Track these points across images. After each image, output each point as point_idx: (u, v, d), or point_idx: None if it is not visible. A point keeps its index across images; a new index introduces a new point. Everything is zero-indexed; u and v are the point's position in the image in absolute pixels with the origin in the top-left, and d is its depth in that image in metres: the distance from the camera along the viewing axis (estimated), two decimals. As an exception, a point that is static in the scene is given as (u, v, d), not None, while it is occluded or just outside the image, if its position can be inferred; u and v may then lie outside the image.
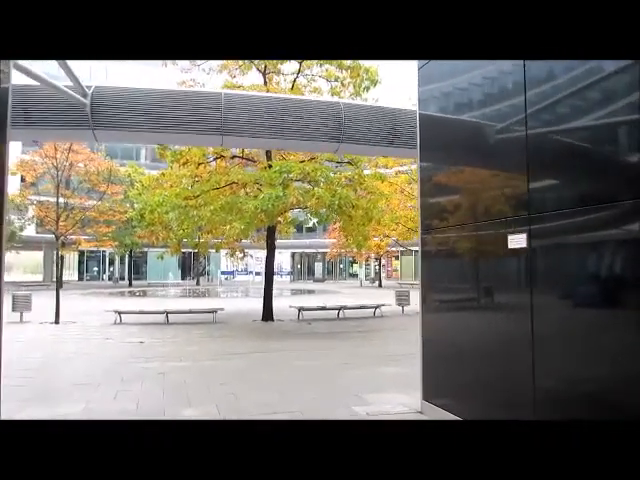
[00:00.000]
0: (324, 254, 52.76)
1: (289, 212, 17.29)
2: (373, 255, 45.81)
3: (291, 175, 12.44)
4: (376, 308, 17.32)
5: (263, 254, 45.58)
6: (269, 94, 9.72)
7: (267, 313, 15.71)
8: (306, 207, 14.46)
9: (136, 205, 15.18)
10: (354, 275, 56.13)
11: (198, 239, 18.40)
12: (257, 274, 53.02)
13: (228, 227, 12.55)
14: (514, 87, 4.43)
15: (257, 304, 20.75)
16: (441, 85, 6.12)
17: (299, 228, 36.06)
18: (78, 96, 7.93)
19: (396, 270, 55.33)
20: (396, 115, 9.67)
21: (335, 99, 12.23)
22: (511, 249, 4.30)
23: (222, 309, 15.69)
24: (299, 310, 16.19)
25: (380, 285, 44.63)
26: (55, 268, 16.30)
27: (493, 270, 4.83)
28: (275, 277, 42.65)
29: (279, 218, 14.34)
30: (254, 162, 16.32)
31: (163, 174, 15.73)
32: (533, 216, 4.07)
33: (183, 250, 21.38)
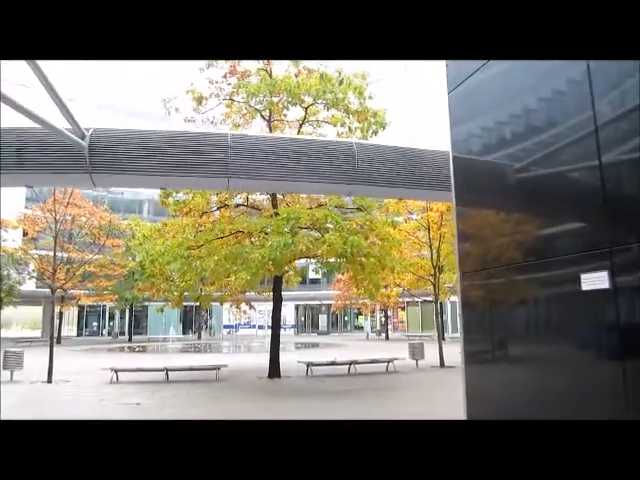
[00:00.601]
0: (328, 306, 51.72)
1: (295, 262, 16.68)
2: (379, 306, 44.83)
3: (299, 222, 11.85)
4: (389, 363, 16.33)
5: (266, 306, 44.61)
6: (277, 135, 9.23)
7: (274, 369, 14.74)
8: (315, 256, 13.85)
9: (137, 256, 14.56)
10: (359, 327, 54.75)
11: (200, 291, 17.66)
12: (260, 327, 51.91)
13: (233, 278, 11.85)
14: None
15: (262, 359, 19.77)
16: (476, 124, 5.58)
17: (303, 280, 35.47)
18: (76, 137, 7.43)
19: (402, 321, 53.97)
20: (412, 155, 9.16)
21: (347, 140, 11.77)
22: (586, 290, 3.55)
23: (225, 366, 14.71)
24: (308, 366, 15.22)
25: (387, 337, 43.40)
26: (51, 323, 15.40)
27: (560, 315, 4.04)
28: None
29: (287, 268, 13.61)
30: (259, 210, 15.81)
31: (165, 224, 15.18)
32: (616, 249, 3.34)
33: (185, 303, 20.61)
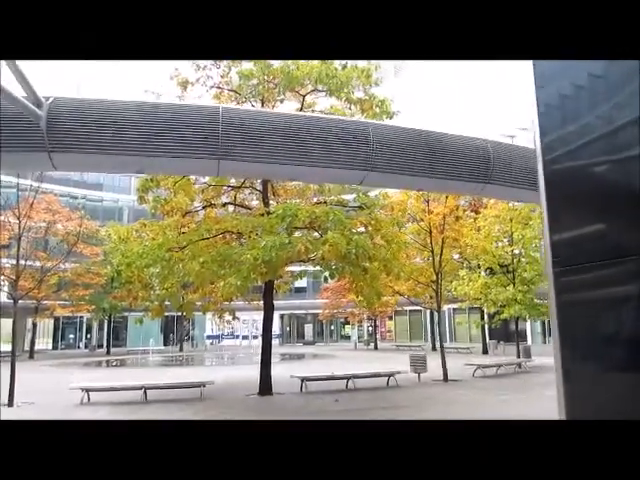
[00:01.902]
0: (314, 315, 50.26)
1: (287, 267, 15.28)
2: (366, 316, 43.54)
3: (296, 221, 10.46)
4: (389, 377, 14.95)
5: (251, 316, 42.94)
6: (278, 111, 7.86)
7: (265, 385, 13.26)
8: (310, 259, 12.46)
9: (113, 261, 12.97)
10: (346, 337, 53.36)
11: (182, 299, 16.12)
12: (244, 338, 50.19)
13: (222, 283, 10.40)
14: None
15: (250, 373, 18.22)
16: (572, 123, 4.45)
17: (288, 288, 34.02)
18: (31, 105, 5.98)
19: (390, 331, 52.73)
20: (437, 139, 7.87)
21: (362, 119, 10.44)
22: None
23: (211, 382, 13.17)
24: (302, 381, 13.75)
25: (376, 347, 41.97)
26: (12, 336, 13.71)
27: None
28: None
29: (282, 272, 12.18)
30: (248, 209, 14.40)
31: (144, 224, 13.64)
32: None
33: (166, 314, 19.05)
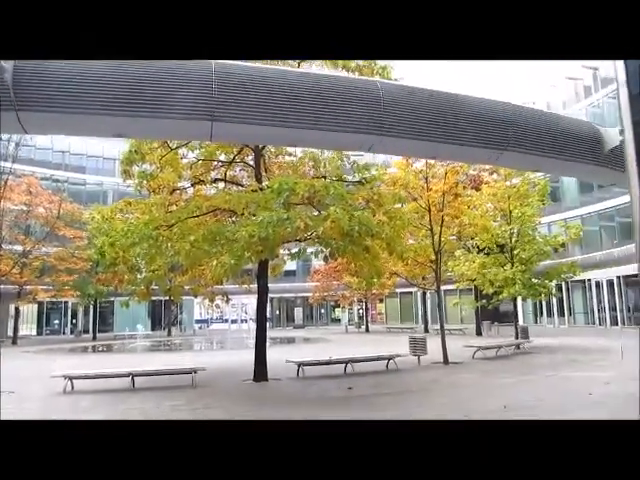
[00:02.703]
0: (304, 299, 49.75)
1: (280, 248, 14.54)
2: (357, 298, 43.10)
3: (294, 195, 9.69)
4: (389, 360, 14.37)
5: (240, 299, 42.28)
6: (278, 67, 7.02)
7: (260, 371, 12.58)
8: (307, 238, 11.73)
9: (96, 242, 12.08)
10: (336, 320, 53.02)
11: (170, 282, 15.33)
12: (234, 322, 49.54)
13: (215, 262, 9.64)
14: None
15: (242, 358, 17.54)
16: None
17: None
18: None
19: (381, 313, 52.47)
20: (455, 102, 7.14)
21: (371, 78, 9.64)
22: None
23: (203, 369, 12.47)
24: (299, 366, 13.11)
25: (367, 330, 41.57)
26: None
27: None
28: (251, 324, 39.45)
29: (278, 251, 11.42)
30: (240, 186, 13.60)
31: (129, 203, 12.77)
32: None
33: (153, 298, 18.29)
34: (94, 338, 36.77)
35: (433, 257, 16.44)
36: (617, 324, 32.85)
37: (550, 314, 38.61)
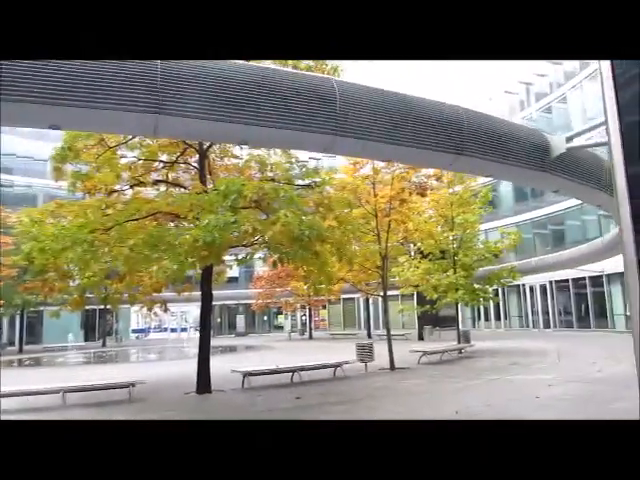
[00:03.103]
0: (246, 306, 48.86)
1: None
2: (300, 305, 42.78)
3: (241, 198, 9.29)
4: (336, 367, 14.14)
5: (180, 308, 40.87)
6: (226, 62, 6.60)
7: (203, 383, 12.00)
8: (253, 243, 11.32)
9: (23, 248, 11.09)
10: (279, 327, 52.45)
11: (106, 290, 14.42)
12: (173, 331, 47.97)
13: (155, 268, 9.05)
14: None
15: (183, 369, 16.82)
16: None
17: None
18: None
19: (324, 320, 52.37)
20: (414, 105, 6.99)
21: (327, 76, 9.36)
22: None
23: (143, 382, 11.74)
24: (244, 376, 12.61)
25: (311, 337, 41.33)
26: None
27: None
28: (192, 333, 38.25)
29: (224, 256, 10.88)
30: (184, 188, 12.99)
31: (60, 204, 11.85)
32: None
33: (86, 307, 17.16)
34: (20, 351, 34.46)
35: (379, 263, 16.39)
36: (549, 327, 34.30)
37: (487, 318, 39.85)
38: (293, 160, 11.77)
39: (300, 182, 11.54)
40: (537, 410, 8.39)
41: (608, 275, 29.46)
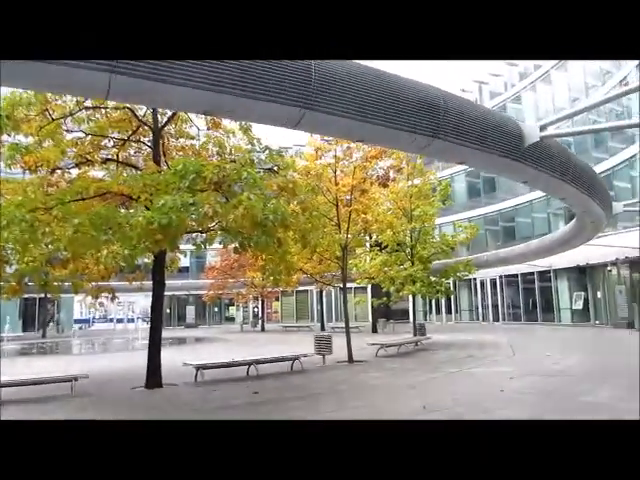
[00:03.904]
0: (197, 296, 47.62)
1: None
2: (252, 296, 42.02)
3: (200, 179, 8.63)
4: (294, 360, 13.68)
5: (127, 297, 39.38)
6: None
7: (153, 376, 11.26)
8: (210, 228, 10.66)
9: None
10: (231, 319, 51.52)
11: (47, 276, 13.35)
12: (119, 321, 46.26)
13: (104, 252, 8.27)
14: None
15: (131, 362, 15.97)
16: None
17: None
18: None
19: (276, 312, 51.85)
20: (390, 82, 6.55)
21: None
22: None
23: (85, 376, 10.88)
24: (197, 369, 11.94)
25: (263, 329, 40.71)
26: None
27: None
28: (140, 323, 36.92)
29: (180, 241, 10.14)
30: (136, 168, 12.14)
31: (-4, 182, 10.75)
32: None
33: (25, 295, 15.96)
34: (-50, 342, 32.12)
35: (338, 253, 16.01)
36: (498, 320, 35.10)
37: (439, 311, 40.42)
38: (255, 142, 11.16)
39: (263, 166, 10.94)
40: (505, 403, 8.22)
41: (555, 270, 30.33)
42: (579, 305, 29.03)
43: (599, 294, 27.57)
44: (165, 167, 11.94)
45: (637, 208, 20.28)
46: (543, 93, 34.02)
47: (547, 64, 33.06)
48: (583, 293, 29.09)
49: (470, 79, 41.24)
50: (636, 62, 24.12)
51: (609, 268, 26.58)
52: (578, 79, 30.25)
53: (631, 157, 25.05)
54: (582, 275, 29.38)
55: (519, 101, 36.27)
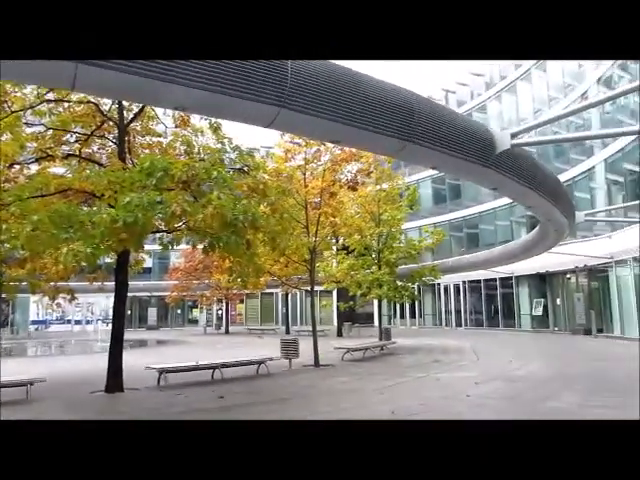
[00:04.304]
0: (159, 298, 46.64)
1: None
2: (216, 299, 41.43)
3: (168, 177, 8.39)
4: (260, 364, 13.48)
5: (86, 298, 38.26)
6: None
7: (114, 380, 10.86)
8: (177, 229, 10.37)
9: None
10: (194, 321, 50.69)
11: (1, 276, 12.75)
12: (77, 323, 44.92)
13: (65, 250, 7.91)
14: None
15: (89, 365, 15.47)
16: None
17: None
18: None
19: (240, 314, 51.31)
20: (360, 81, 6.48)
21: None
22: None
23: (42, 380, 10.41)
24: (160, 373, 11.61)
25: (227, 331, 40.22)
26: None
27: None
28: (100, 325, 35.82)
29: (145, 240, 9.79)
30: (100, 165, 11.74)
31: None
32: None
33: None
34: None
35: (307, 256, 15.89)
36: (461, 325, 35.64)
37: (403, 316, 40.75)
38: (225, 142, 10.94)
39: (233, 166, 10.74)
40: (472, 409, 8.25)
41: (517, 277, 31.01)
42: (539, 311, 29.75)
43: (558, 301, 28.32)
44: (130, 165, 11.59)
45: (598, 218, 20.94)
46: (508, 103, 34.81)
47: (512, 75, 33.88)
48: (543, 300, 29.83)
49: (438, 87, 41.91)
50: (596, 76, 24.96)
51: (568, 276, 27.35)
52: (542, 91, 31.08)
53: (590, 169, 25.85)
54: (542, 282, 30.13)
55: (484, 110, 36.99)
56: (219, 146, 10.90)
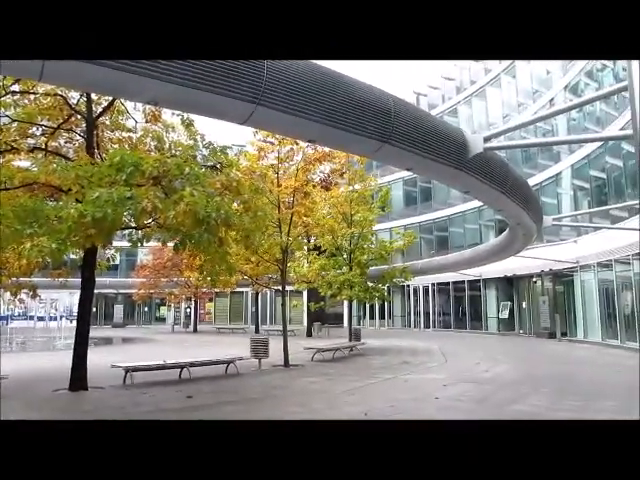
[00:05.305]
0: (126, 295, 45.79)
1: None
2: (185, 297, 40.90)
3: (139, 173, 8.22)
4: (229, 363, 13.34)
5: (49, 295, 37.30)
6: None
7: (78, 378, 10.57)
8: (147, 225, 10.17)
9: None
10: (161, 319, 49.90)
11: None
12: (40, 319, 43.74)
13: (29, 245, 7.64)
14: None
15: (53, 362, 15.05)
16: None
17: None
18: None
19: (209, 313, 50.76)
20: (337, 80, 6.46)
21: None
22: None
23: (5, 377, 10.06)
24: (126, 372, 11.36)
25: (195, 330, 39.76)
26: None
27: None
28: (64, 322, 34.87)
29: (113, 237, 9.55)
30: (67, 159, 11.40)
31: None
32: None
33: None
34: None
35: (279, 256, 15.80)
36: (429, 327, 36.06)
37: (372, 317, 40.99)
38: (198, 138, 10.78)
39: (206, 163, 10.57)
40: (440, 411, 8.32)
41: (485, 280, 31.54)
42: (505, 314, 30.32)
43: (524, 304, 28.92)
44: (99, 159, 11.31)
45: (564, 223, 21.45)
46: (478, 108, 35.37)
47: (482, 80, 34.44)
48: (509, 303, 30.41)
49: (409, 90, 42.29)
50: (564, 84, 25.57)
51: (534, 279, 27.96)
52: (511, 96, 31.68)
53: (557, 174, 26.47)
54: (509, 285, 30.72)
55: (455, 114, 37.50)
56: (191, 143, 10.73)
